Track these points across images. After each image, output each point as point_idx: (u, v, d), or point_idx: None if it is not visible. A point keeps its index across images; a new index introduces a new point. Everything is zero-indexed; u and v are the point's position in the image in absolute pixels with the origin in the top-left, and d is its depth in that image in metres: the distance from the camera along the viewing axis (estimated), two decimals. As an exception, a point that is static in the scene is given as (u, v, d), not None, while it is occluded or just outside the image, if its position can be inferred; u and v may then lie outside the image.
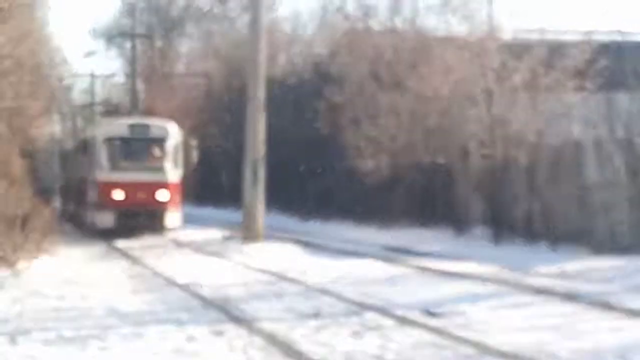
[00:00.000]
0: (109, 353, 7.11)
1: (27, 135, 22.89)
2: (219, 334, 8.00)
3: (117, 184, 18.64)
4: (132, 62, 35.98)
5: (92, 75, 43.74)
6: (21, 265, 15.09)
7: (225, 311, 9.80)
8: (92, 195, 19.71)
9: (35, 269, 15.37)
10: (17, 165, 20.85)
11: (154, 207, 18.88)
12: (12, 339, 7.90)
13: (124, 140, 19.54)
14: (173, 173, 19.93)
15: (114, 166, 19.18)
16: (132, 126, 19.91)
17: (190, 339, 7.69)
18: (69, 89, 42.15)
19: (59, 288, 12.85)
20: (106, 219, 18.44)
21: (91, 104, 43.67)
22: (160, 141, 19.72)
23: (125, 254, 18.78)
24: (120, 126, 20.29)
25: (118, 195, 18.48)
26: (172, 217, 19.45)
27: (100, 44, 45.77)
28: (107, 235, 19.11)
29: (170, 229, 19.90)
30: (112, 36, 42.69)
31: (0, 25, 16.98)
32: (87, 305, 11.14)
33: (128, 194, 18.47)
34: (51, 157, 38.42)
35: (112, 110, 24.54)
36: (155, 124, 21.96)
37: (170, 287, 12.92)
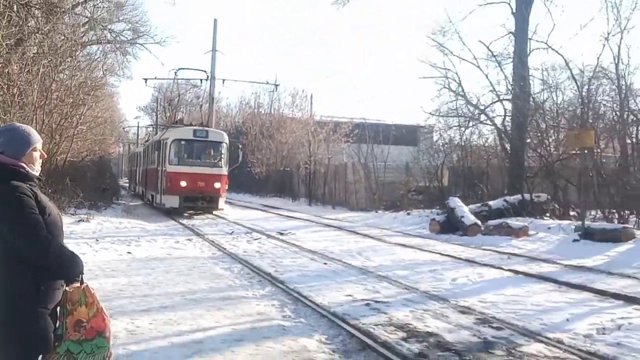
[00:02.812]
0: (140, 246, 13.00)
1: (107, 152, 36.35)
2: (190, 240, 14.78)
3: (183, 174, 21.49)
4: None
5: (138, 126, 63.27)
6: (102, 208, 22.22)
7: (193, 231, 16.95)
8: (162, 182, 22.17)
9: (107, 210, 22.59)
10: (103, 164, 32.77)
11: (210, 193, 21.88)
12: (96, 240, 13.61)
13: (189, 142, 22.60)
14: (225, 168, 23.05)
15: (181, 161, 22.14)
16: (195, 131, 22.99)
17: (177, 242, 14.28)
18: (126, 132, 64.21)
19: (119, 219, 19.46)
20: (173, 201, 21.39)
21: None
22: (216, 143, 23.08)
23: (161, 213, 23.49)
24: (186, 131, 23.36)
25: (183, 183, 21.27)
26: (222, 201, 22.79)
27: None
28: (170, 212, 22.32)
29: (220, 210, 23.20)
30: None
31: (99, 104, 26.30)
32: (132, 227, 17.56)
33: (191, 182, 21.36)
34: (118, 160, 63.06)
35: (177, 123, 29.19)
36: (212, 130, 25.66)
37: (175, 224, 20.56)
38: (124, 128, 59.02)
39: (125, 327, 6.26)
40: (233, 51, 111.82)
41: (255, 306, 7.65)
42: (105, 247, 12.60)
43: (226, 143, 23.50)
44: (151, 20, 58.87)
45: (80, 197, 19.40)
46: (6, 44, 13.07)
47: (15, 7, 13.72)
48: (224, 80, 32.65)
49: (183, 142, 22.70)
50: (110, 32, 27.17)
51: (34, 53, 16.45)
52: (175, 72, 28.70)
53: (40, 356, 2.91)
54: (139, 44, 30.32)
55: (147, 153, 29.36)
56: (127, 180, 51.08)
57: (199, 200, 21.97)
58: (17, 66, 14.72)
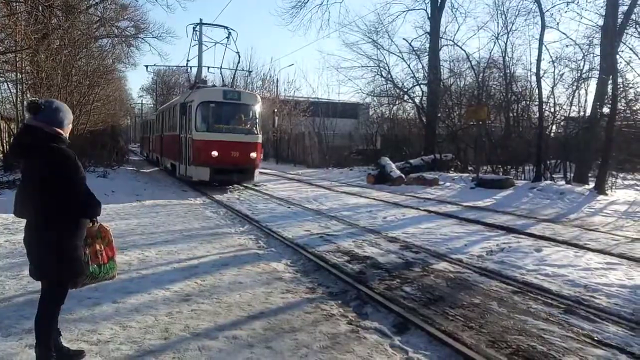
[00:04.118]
0: (146, 196, 14.38)
1: (118, 123, 35.26)
2: (185, 191, 15.39)
3: (213, 143, 14.78)
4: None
5: (142, 103, 59.21)
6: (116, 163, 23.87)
7: (186, 184, 15.97)
8: (188, 151, 15.56)
9: (120, 169, 26.02)
10: (116, 133, 31.76)
11: (245, 165, 15.14)
12: (112, 191, 17.07)
13: (219, 104, 15.44)
14: (260, 135, 15.99)
15: (210, 127, 15.15)
16: (226, 92, 15.66)
17: (174, 192, 14.60)
18: (132, 108, 59.98)
19: (130, 169, 21.84)
20: (202, 173, 14.89)
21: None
22: (249, 106, 15.79)
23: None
24: (215, 92, 15.87)
25: (214, 153, 14.66)
26: (257, 173, 15.90)
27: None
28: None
29: (255, 182, 16.23)
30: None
31: (110, 85, 24.56)
32: (139, 182, 20.55)
33: (223, 152, 14.74)
34: (127, 130, 56.86)
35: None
36: (245, 92, 17.69)
37: (172, 180, 17.77)
38: (130, 104, 56.84)
39: (137, 256, 6.17)
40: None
41: (237, 239, 7.62)
42: (118, 197, 12.28)
43: (259, 106, 16.17)
44: (150, 19, 56.69)
45: (95, 159, 19.18)
46: (34, 38, 12.69)
47: (40, 8, 13.45)
48: (208, 67, 31.72)
49: (212, 105, 15.32)
50: (117, 28, 26.37)
51: (57, 45, 16.02)
52: (194, 28, 19.13)
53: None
54: (140, 38, 29.19)
55: (164, 118, 21.25)
56: (139, 146, 43.96)
57: (233, 173, 15.21)
58: (44, 55, 14.52)
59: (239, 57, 18.08)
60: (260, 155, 16.06)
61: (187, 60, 28.22)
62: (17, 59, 13.49)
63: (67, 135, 3.10)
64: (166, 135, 20.18)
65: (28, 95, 14.29)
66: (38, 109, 2.95)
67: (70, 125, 3.15)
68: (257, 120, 15.93)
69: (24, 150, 2.97)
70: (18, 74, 13.94)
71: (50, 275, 3.00)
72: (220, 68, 27.45)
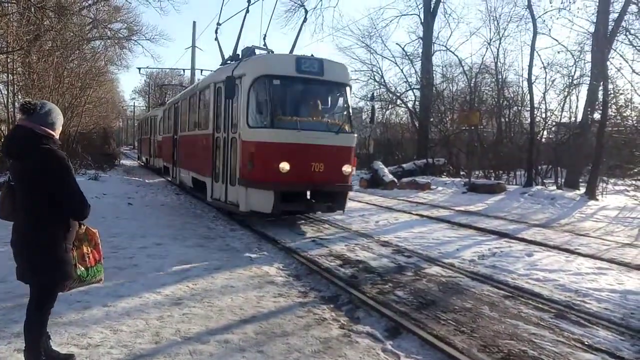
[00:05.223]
0: (137, 198, 13.36)
1: (109, 126, 35.09)
2: (178, 195, 12.29)
3: (281, 147, 8.20)
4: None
5: (134, 106, 58.11)
6: (107, 166, 23.16)
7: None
8: (232, 161, 8.97)
9: (111, 172, 25.94)
10: (108, 136, 31.21)
11: (332, 186, 8.64)
12: (103, 194, 17.09)
13: (289, 81, 8.62)
14: (355, 135, 9.35)
15: (275, 120, 8.35)
16: (301, 60, 8.64)
17: (166, 196, 14.64)
18: (124, 110, 59.35)
19: (124, 170, 24.64)
20: (260, 200, 8.28)
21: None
22: (340, 86, 9.10)
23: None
24: (283, 60, 8.81)
25: (283, 165, 8.16)
26: (347, 199, 9.13)
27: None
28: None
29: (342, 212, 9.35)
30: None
31: (102, 87, 25.11)
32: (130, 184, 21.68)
33: (298, 163, 8.23)
34: (118, 132, 57.26)
35: None
36: (329, 61, 9.18)
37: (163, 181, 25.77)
38: (122, 107, 56.64)
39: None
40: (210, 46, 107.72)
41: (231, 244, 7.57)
42: (109, 200, 12.13)
43: (350, 87, 9.58)
44: (143, 21, 56.55)
45: (88, 161, 19.28)
46: (26, 39, 12.62)
47: (32, 9, 13.35)
48: (202, 70, 31.65)
49: (278, 83, 8.58)
50: (110, 30, 26.38)
51: (49, 46, 16.01)
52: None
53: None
54: (133, 40, 29.10)
55: (179, 113, 14.56)
56: (137, 150, 38.01)
57: (319, 200, 8.64)
58: (36, 57, 14.48)
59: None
60: (354, 170, 9.48)
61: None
62: (9, 60, 13.45)
63: (58, 137, 3.08)
64: (185, 137, 13.61)
65: (19, 97, 14.22)
66: (32, 109, 2.94)
67: (61, 128, 3.13)
68: (349, 110, 9.38)
69: (14, 151, 2.95)
70: (9, 75, 13.90)
71: (40, 277, 2.97)
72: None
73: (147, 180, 18.81)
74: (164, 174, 19.52)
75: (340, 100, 9.29)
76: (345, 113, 9.29)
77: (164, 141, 19.03)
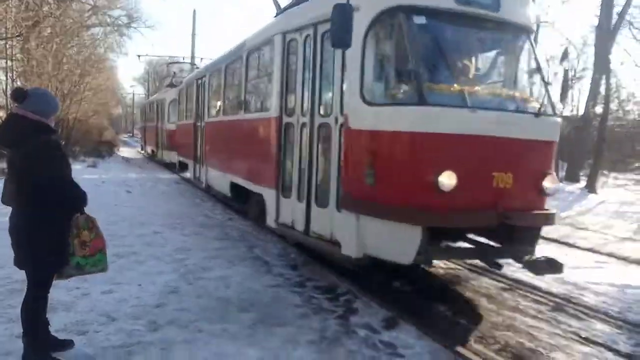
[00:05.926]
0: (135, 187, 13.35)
1: (109, 113, 35.74)
2: (178, 184, 13.39)
3: (434, 144, 3.98)
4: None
5: (133, 93, 58.19)
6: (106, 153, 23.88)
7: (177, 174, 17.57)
8: (313, 165, 5.34)
9: (110, 159, 24.28)
10: (106, 123, 32.56)
11: (531, 216, 4.36)
12: (103, 182, 13.21)
13: (445, 21, 4.41)
14: (558, 119, 4.94)
15: (422, 94, 4.03)
16: None
17: (168, 186, 12.51)
18: (124, 97, 59.59)
19: (123, 158, 24.27)
20: (393, 241, 4.23)
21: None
22: (524, 32, 4.93)
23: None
24: None
25: (445, 180, 3.88)
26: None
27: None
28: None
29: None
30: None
31: (102, 74, 25.66)
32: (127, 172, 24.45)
33: (468, 174, 3.97)
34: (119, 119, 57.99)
35: None
36: None
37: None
38: (121, 94, 56.32)
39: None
40: (210, 34, 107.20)
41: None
42: (109, 187, 12.06)
43: (533, 33, 5.03)
44: (143, 8, 56.18)
45: (85, 149, 19.34)
46: (25, 25, 12.56)
47: None
48: (201, 58, 31.20)
49: (421, 22, 4.17)
50: (109, 17, 26.10)
51: (48, 33, 15.92)
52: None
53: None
54: (132, 27, 28.85)
55: (204, 89, 10.84)
56: (140, 138, 33.89)
57: (503, 242, 4.54)
58: (34, 43, 14.43)
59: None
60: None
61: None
62: (8, 46, 13.39)
63: (53, 124, 3.05)
64: (218, 124, 9.70)
65: (18, 83, 14.19)
66: (23, 96, 2.91)
67: (56, 113, 3.09)
68: (543, 74, 5.09)
69: (7, 138, 2.93)
70: (8, 61, 13.84)
71: (34, 265, 2.97)
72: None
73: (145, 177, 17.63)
74: (179, 170, 15.89)
75: (527, 57, 5.12)
76: (539, 79, 5.07)
77: (180, 130, 14.93)
